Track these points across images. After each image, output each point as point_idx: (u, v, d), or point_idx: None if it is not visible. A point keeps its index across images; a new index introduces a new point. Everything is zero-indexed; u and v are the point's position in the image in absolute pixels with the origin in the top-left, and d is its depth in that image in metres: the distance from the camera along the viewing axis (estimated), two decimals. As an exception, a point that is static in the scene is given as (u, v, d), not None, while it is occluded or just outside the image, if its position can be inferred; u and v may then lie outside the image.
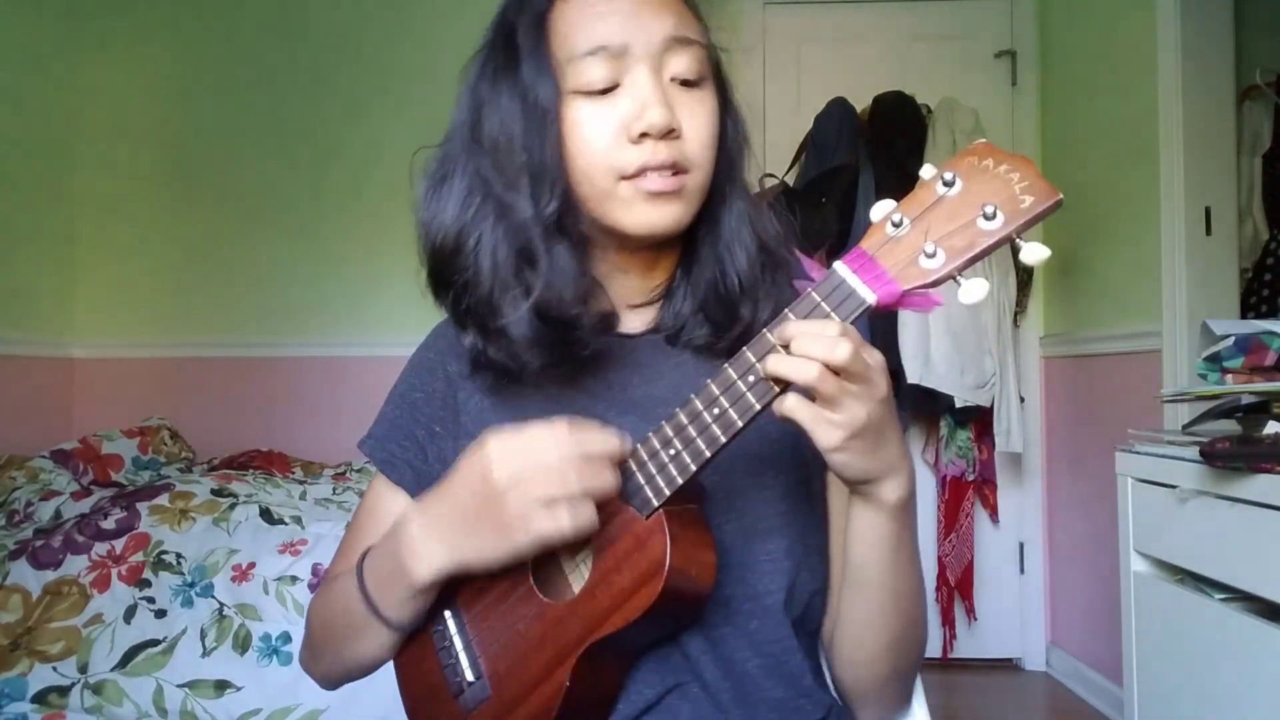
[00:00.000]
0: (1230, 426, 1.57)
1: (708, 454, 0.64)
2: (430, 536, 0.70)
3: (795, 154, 3.10)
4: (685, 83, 0.75)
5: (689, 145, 0.74)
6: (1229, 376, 1.55)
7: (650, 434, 0.67)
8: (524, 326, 0.74)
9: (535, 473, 0.64)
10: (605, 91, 0.73)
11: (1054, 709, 2.84)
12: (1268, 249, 2.47)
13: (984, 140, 0.60)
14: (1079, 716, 2.74)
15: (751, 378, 0.62)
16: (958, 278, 0.58)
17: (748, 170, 0.82)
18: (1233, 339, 1.54)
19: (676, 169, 0.73)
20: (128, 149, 3.30)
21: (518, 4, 0.77)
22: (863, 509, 0.69)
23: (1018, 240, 0.56)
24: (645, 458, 0.67)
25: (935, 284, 0.58)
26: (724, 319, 0.78)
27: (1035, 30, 3.21)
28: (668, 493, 0.65)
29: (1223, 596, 1.43)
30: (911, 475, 0.68)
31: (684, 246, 0.82)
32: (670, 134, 0.72)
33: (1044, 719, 2.81)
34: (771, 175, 3.06)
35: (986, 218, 0.56)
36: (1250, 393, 1.50)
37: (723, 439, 0.63)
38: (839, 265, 0.60)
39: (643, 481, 0.67)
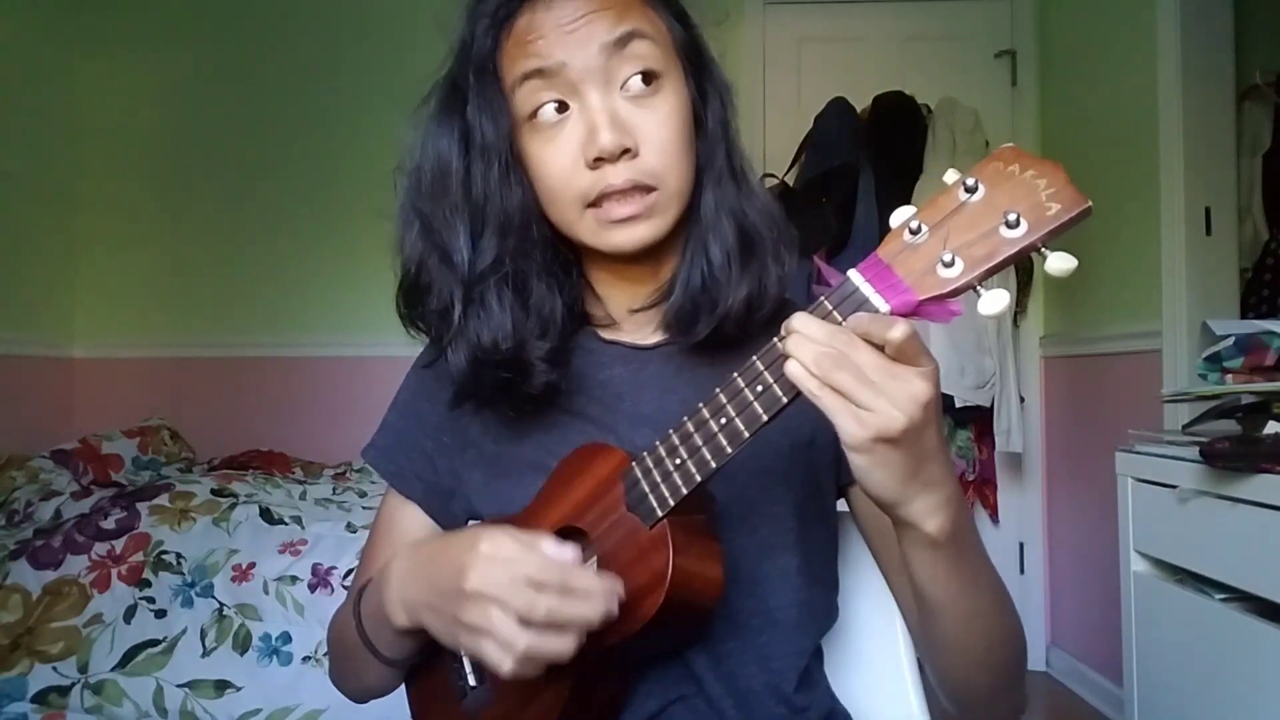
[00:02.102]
0: (1230, 426, 1.57)
1: (714, 465, 0.62)
2: (404, 590, 0.69)
3: (795, 154, 3.10)
4: (644, 78, 0.71)
5: (650, 160, 0.71)
6: (1229, 376, 1.54)
7: (657, 442, 0.65)
8: (458, 367, 0.74)
9: (505, 595, 0.60)
10: (560, 113, 0.71)
11: (1054, 709, 2.84)
12: (1268, 249, 2.47)
13: (1012, 145, 0.57)
14: (1079, 716, 2.73)
15: (760, 387, 0.59)
16: (978, 288, 0.55)
17: (735, 148, 0.79)
18: (1233, 339, 1.54)
19: (638, 188, 0.71)
20: (128, 149, 3.30)
21: (471, 32, 0.75)
22: (904, 537, 0.63)
23: (1043, 250, 0.54)
24: (651, 465, 0.65)
25: (953, 294, 0.55)
26: (706, 307, 0.76)
27: (1035, 30, 3.21)
28: (672, 503, 0.64)
29: (1223, 596, 1.43)
30: (954, 502, 0.60)
31: (681, 243, 0.81)
32: (625, 154, 0.70)
33: (1044, 719, 2.81)
34: (771, 175, 3.06)
35: (1009, 226, 0.53)
36: (1250, 393, 1.50)
37: (729, 450, 0.61)
38: (853, 273, 0.58)
39: (647, 490, 0.65)
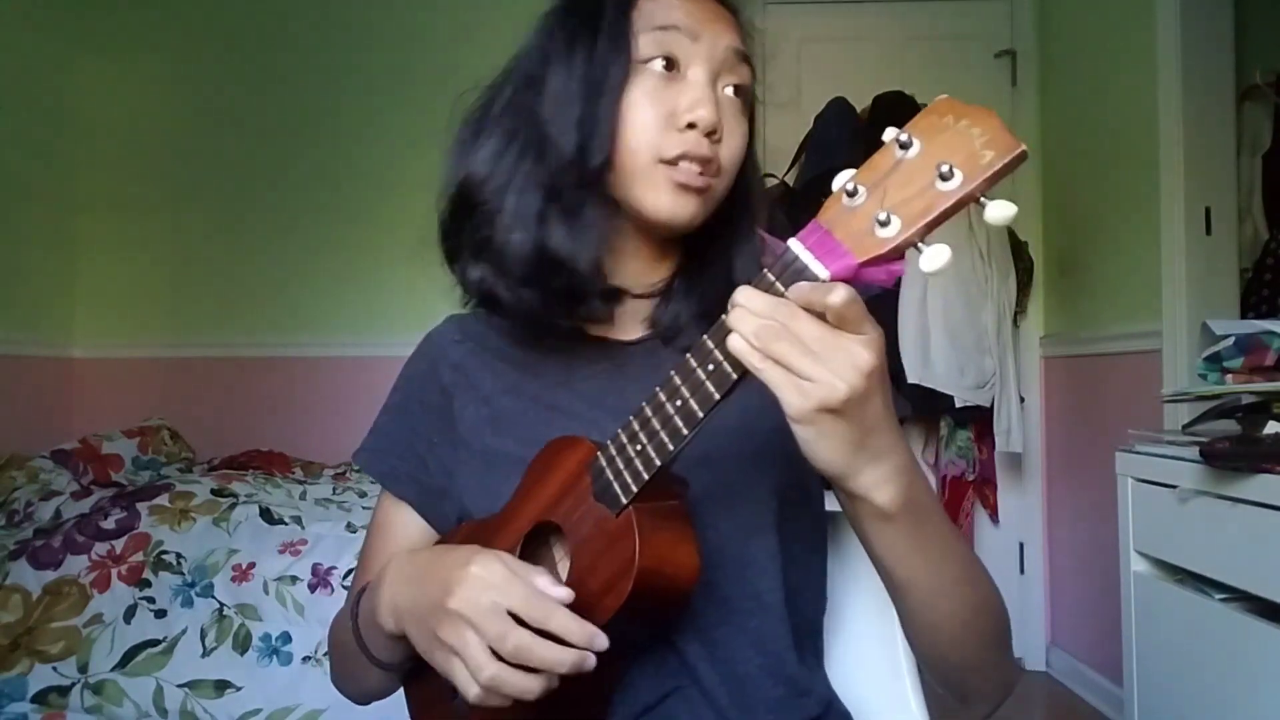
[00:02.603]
0: (1230, 426, 1.57)
1: (672, 447, 0.61)
2: (395, 597, 0.70)
3: (795, 154, 3.10)
4: (736, 92, 0.78)
5: (724, 151, 0.77)
6: (1229, 376, 1.55)
7: (619, 429, 0.65)
8: (525, 251, 0.75)
9: (481, 620, 0.60)
10: (667, 71, 0.75)
11: (1054, 709, 2.84)
12: (1268, 249, 2.47)
13: (946, 97, 0.56)
14: (1079, 716, 2.73)
15: (711, 366, 0.59)
16: (918, 244, 0.54)
17: (756, 209, 0.84)
18: (1233, 339, 1.54)
19: (708, 168, 0.75)
20: (128, 149, 3.30)
21: None
22: (856, 510, 0.62)
23: (982, 200, 0.52)
24: (614, 453, 0.65)
25: (894, 253, 0.54)
26: (682, 324, 0.80)
27: (1035, 30, 3.21)
28: (635, 488, 0.63)
29: (1223, 596, 1.43)
30: (903, 470, 0.60)
31: (685, 252, 0.83)
32: (712, 134, 0.75)
33: (1044, 719, 2.81)
34: (771, 175, 3.06)
35: (943, 178, 0.52)
36: (1250, 393, 1.50)
37: (685, 432, 0.60)
38: (793, 241, 0.57)
39: (611, 478, 0.65)
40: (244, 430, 3.13)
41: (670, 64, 0.75)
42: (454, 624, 0.62)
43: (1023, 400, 3.03)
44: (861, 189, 0.55)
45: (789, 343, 0.54)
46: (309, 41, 3.31)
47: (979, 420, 2.97)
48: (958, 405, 2.85)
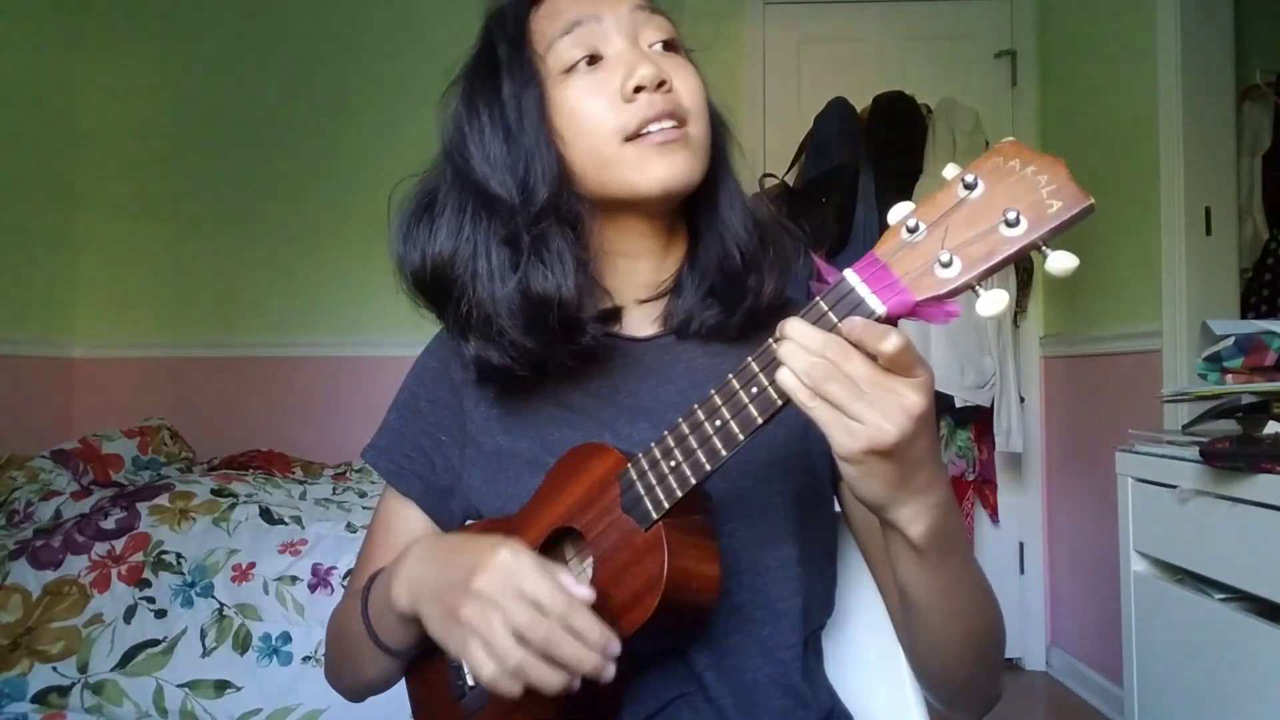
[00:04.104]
0: (1230, 426, 1.57)
1: (708, 467, 0.61)
2: (414, 570, 0.70)
3: (795, 154, 3.10)
4: (664, 46, 0.77)
5: (682, 97, 0.75)
6: (1229, 376, 1.54)
7: (652, 443, 0.65)
8: (512, 302, 0.73)
9: (509, 604, 0.61)
10: (591, 65, 0.75)
11: (1054, 709, 2.84)
12: (1268, 249, 2.47)
13: (1013, 139, 0.55)
14: (1079, 716, 2.73)
15: (755, 389, 0.58)
16: (976, 288, 0.53)
17: (733, 149, 0.82)
18: (1233, 339, 1.54)
19: (676, 118, 0.74)
20: (128, 149, 3.30)
21: (498, 18, 0.79)
22: (888, 537, 0.64)
23: (1044, 249, 0.52)
24: (646, 467, 0.65)
25: (951, 294, 0.54)
26: (731, 294, 0.78)
27: (1035, 30, 3.21)
28: (667, 505, 0.63)
29: (1223, 596, 1.43)
30: (939, 507, 0.61)
31: (690, 237, 0.82)
32: (662, 86, 0.73)
33: (1044, 719, 2.81)
34: (771, 175, 3.06)
35: (1009, 224, 0.52)
36: (1250, 393, 1.50)
37: (724, 453, 0.60)
38: (849, 273, 0.56)
39: (642, 492, 0.65)
40: (244, 430, 3.13)
41: (592, 59, 0.75)
42: (479, 604, 0.62)
43: (1023, 400, 3.03)
44: (922, 225, 0.54)
45: (840, 384, 0.54)
46: (309, 42, 3.31)
47: (979, 420, 2.97)
48: (958, 405, 2.85)
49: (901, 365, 0.54)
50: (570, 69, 0.75)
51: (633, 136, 0.73)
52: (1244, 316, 2.35)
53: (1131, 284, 2.58)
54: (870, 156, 2.91)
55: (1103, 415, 2.75)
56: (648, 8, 0.77)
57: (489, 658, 0.61)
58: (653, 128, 0.73)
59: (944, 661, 0.72)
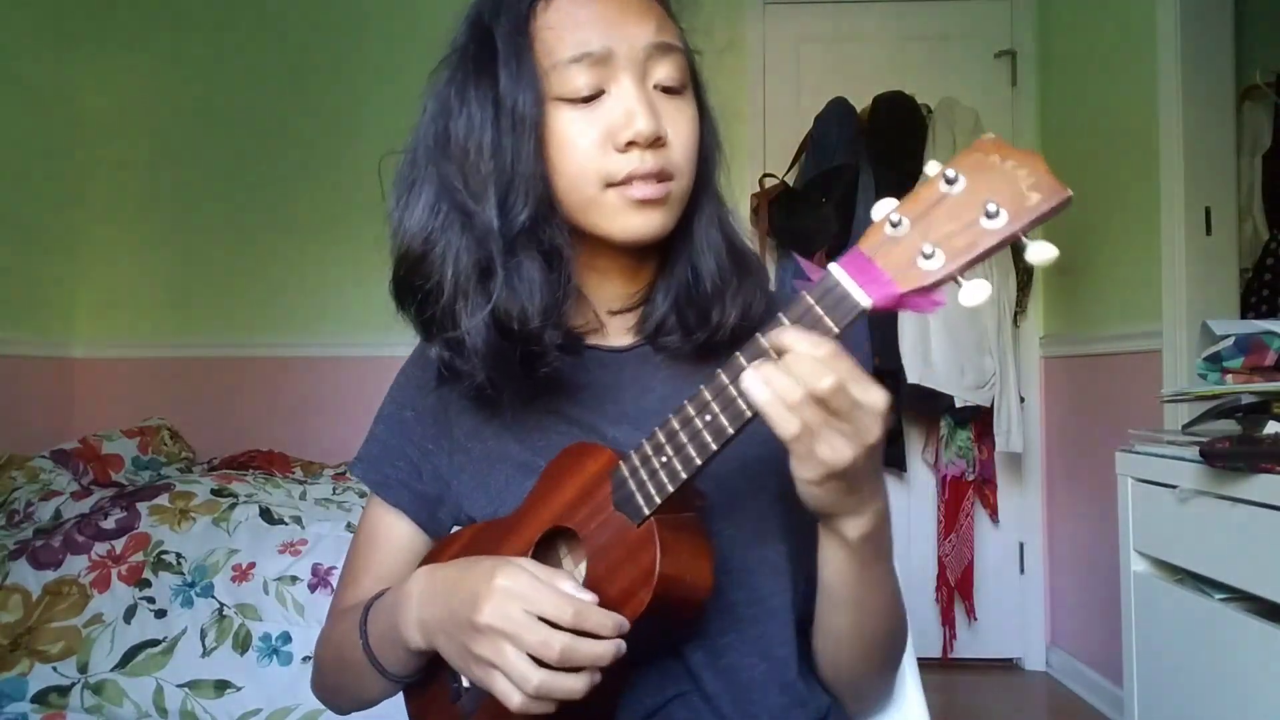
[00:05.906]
0: (1230, 426, 1.57)
1: (698, 461, 0.62)
2: (422, 612, 0.70)
3: (795, 154, 3.10)
4: (668, 90, 0.74)
5: (674, 153, 0.73)
6: (1229, 376, 1.54)
7: (644, 440, 0.65)
8: (480, 336, 0.72)
9: (517, 630, 0.61)
10: (590, 99, 0.72)
11: (1054, 709, 2.84)
12: (1268, 249, 2.47)
13: (992, 135, 0.57)
14: (1079, 716, 2.73)
15: None
16: (959, 279, 0.55)
17: (720, 172, 0.81)
18: (1233, 339, 1.54)
19: (662, 176, 0.72)
20: (128, 149, 3.29)
21: (494, 8, 0.75)
22: (825, 537, 0.69)
23: (1024, 239, 0.54)
24: (637, 464, 0.65)
25: (934, 286, 0.55)
26: (694, 322, 0.77)
27: (1035, 30, 3.21)
28: (658, 500, 0.64)
29: (1223, 596, 1.43)
30: (878, 514, 0.66)
31: (663, 251, 0.81)
32: (657, 142, 0.71)
33: (1044, 719, 2.81)
34: (771, 175, 3.06)
35: (989, 216, 0.54)
36: (1250, 393, 1.50)
37: (714, 446, 0.61)
38: (834, 267, 0.58)
39: (634, 489, 0.65)
40: (244, 430, 3.13)
41: (593, 95, 0.72)
42: (488, 639, 0.62)
43: (1023, 400, 3.04)
44: (905, 220, 0.56)
45: (816, 410, 0.57)
46: (310, 41, 3.31)
47: (979, 420, 2.97)
48: (958, 405, 2.86)
49: (852, 388, 0.57)
50: (567, 95, 0.72)
51: (616, 184, 0.72)
52: (1244, 316, 2.35)
53: (1131, 284, 2.58)
54: (870, 157, 2.91)
55: (1103, 415, 2.75)
56: (664, 46, 0.73)
57: (512, 688, 0.61)
58: (637, 183, 0.71)
59: (850, 657, 0.77)
